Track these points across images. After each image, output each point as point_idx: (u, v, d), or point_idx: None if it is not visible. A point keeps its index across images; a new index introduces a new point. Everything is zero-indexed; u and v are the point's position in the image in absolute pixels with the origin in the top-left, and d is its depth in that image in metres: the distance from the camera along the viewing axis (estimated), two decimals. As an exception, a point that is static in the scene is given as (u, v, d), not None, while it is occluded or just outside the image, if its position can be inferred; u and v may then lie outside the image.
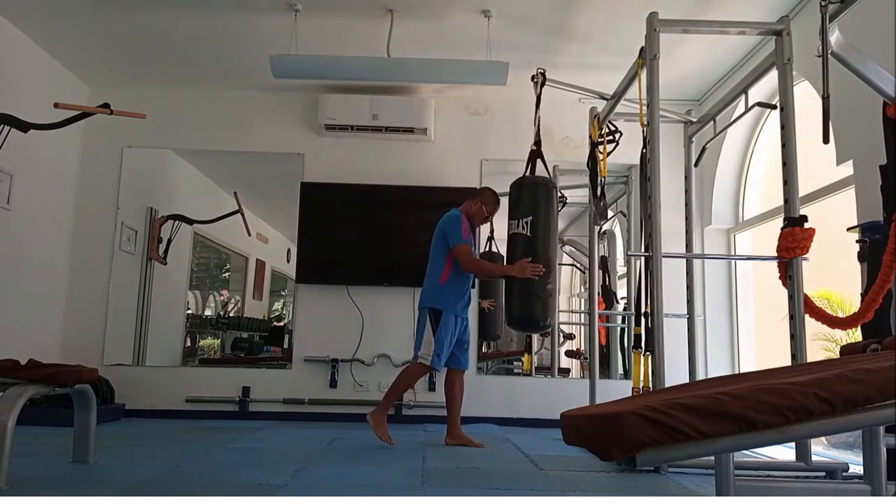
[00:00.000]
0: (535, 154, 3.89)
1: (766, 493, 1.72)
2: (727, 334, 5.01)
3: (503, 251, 5.15)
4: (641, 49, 3.23)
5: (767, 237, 4.27)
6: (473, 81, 4.53)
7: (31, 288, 4.60)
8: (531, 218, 3.64)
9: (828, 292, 4.37)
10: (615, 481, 2.86)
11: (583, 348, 5.56)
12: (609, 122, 4.00)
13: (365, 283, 5.01)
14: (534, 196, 3.68)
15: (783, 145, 2.98)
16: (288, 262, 5.47)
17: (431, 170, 5.19)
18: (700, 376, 4.17)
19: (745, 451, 3.33)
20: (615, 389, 4.18)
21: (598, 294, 4.77)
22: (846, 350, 2.50)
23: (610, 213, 4.98)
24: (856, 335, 3.37)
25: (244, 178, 5.63)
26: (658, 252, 2.95)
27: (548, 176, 3.89)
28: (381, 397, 3.77)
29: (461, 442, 3.80)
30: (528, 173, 3.86)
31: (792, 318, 2.89)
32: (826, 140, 2.56)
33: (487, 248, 5.21)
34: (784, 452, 3.48)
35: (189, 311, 5.79)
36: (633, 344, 3.81)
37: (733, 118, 3.98)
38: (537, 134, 3.90)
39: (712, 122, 3.88)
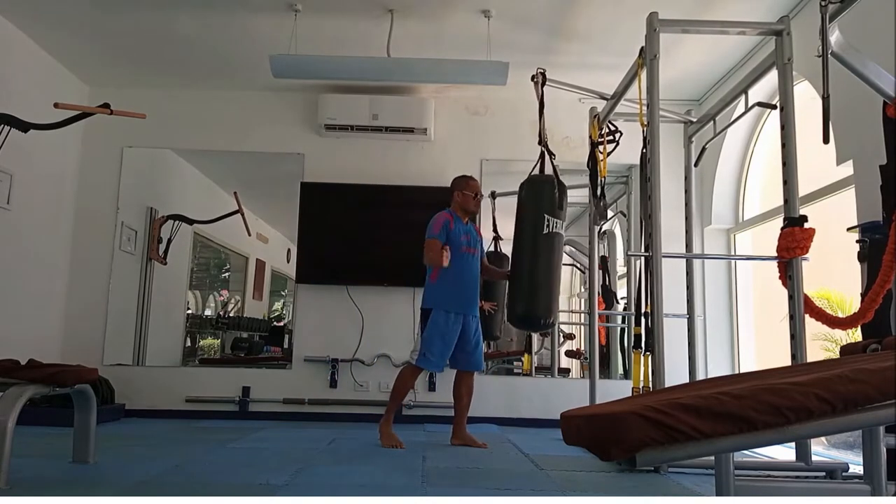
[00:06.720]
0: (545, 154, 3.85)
1: (766, 493, 1.72)
2: (727, 334, 5.01)
3: (504, 251, 5.21)
4: (641, 49, 3.23)
5: (767, 237, 4.26)
6: (473, 81, 4.53)
7: (31, 288, 4.59)
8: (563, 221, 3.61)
9: (828, 292, 4.36)
10: (615, 481, 2.85)
11: (583, 348, 5.56)
12: (609, 122, 3.99)
13: (365, 283, 5.01)
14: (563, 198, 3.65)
15: (783, 145, 2.98)
16: (288, 262, 5.47)
17: (431, 170, 5.18)
18: (700, 376, 4.17)
19: (745, 451, 3.33)
20: (615, 389, 4.17)
21: (598, 294, 4.77)
22: (846, 350, 2.51)
23: (610, 213, 4.98)
24: (856, 335, 3.37)
25: (244, 178, 5.63)
26: (658, 252, 2.95)
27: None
28: (381, 397, 3.76)
29: (465, 442, 3.79)
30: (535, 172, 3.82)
31: (792, 318, 2.89)
32: (826, 140, 2.57)
33: (494, 248, 5.20)
34: (784, 452, 3.48)
35: (189, 311, 5.79)
36: (633, 344, 3.81)
37: (733, 118, 3.98)
38: (543, 133, 3.86)
39: (712, 122, 3.88)
